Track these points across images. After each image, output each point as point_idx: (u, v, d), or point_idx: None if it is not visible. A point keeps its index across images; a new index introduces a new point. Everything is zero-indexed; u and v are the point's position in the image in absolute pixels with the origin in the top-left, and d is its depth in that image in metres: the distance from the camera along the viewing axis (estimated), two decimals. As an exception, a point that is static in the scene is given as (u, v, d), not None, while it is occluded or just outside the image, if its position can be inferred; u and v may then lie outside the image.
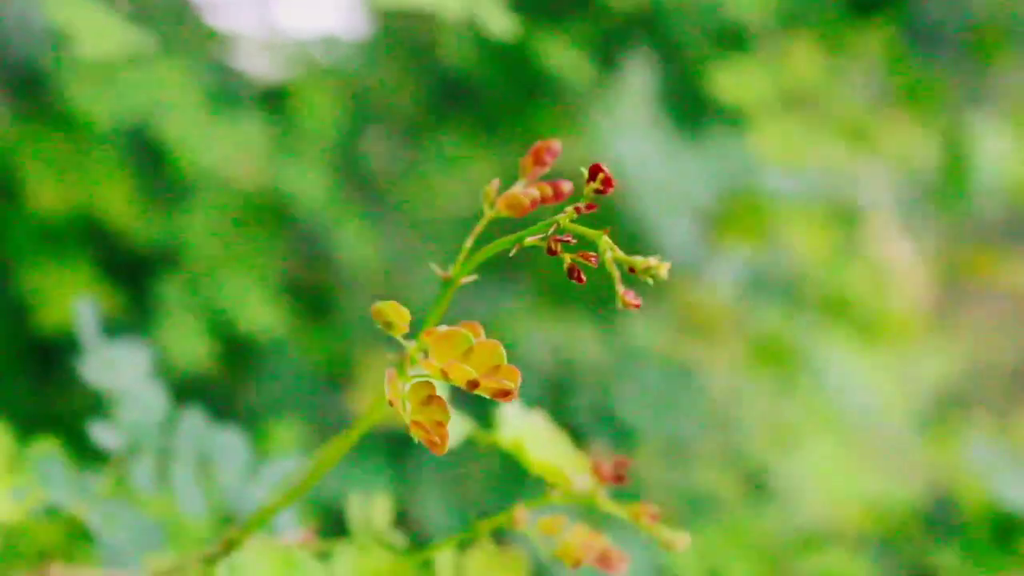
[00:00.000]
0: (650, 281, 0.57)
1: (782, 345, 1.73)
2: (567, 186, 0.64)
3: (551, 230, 0.59)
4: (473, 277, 0.63)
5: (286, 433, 1.38)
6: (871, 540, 1.46)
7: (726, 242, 1.74)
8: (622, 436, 1.50)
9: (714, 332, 1.78)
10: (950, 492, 1.42)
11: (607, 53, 1.45)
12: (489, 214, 0.63)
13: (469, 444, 0.77)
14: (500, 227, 0.62)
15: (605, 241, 0.58)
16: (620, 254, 0.57)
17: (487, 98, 1.55)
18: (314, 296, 1.67)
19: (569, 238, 0.59)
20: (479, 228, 0.63)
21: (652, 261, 0.57)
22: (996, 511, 1.31)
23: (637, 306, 0.56)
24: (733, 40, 1.37)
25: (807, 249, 1.61)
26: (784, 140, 1.30)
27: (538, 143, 0.65)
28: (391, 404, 0.59)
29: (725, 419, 1.75)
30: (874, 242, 1.73)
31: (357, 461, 1.40)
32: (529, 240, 0.60)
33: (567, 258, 0.59)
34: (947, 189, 1.60)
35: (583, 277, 0.58)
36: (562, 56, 1.37)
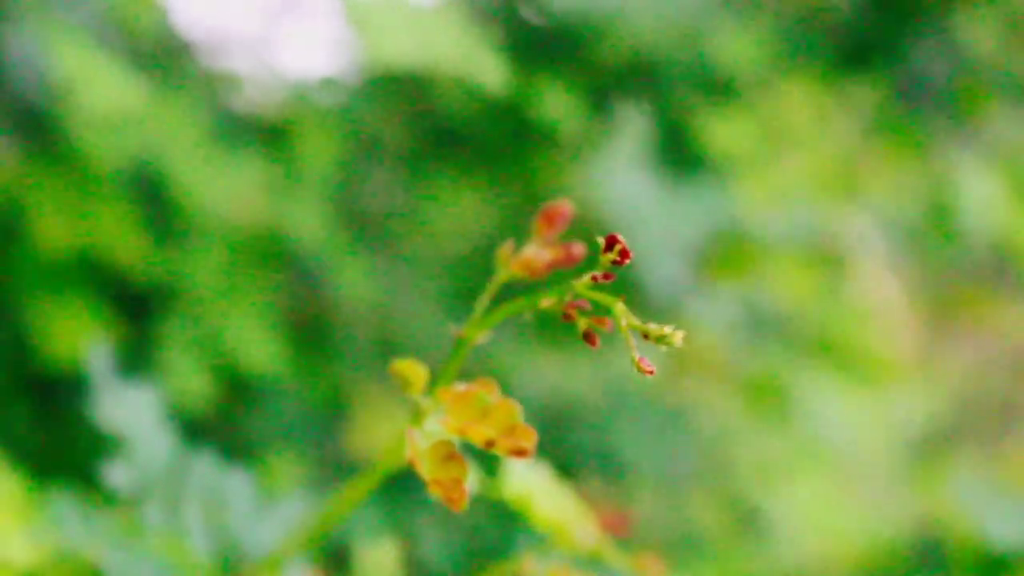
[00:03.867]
0: (664, 348, 0.59)
1: (772, 384, 1.76)
2: (579, 249, 0.65)
3: (567, 296, 0.61)
4: (487, 337, 0.65)
5: (288, 469, 1.40)
6: (859, 578, 1.48)
7: (715, 283, 1.77)
8: (617, 473, 1.52)
9: (706, 371, 1.80)
10: (937, 529, 1.44)
11: (600, 100, 1.48)
12: (503, 276, 0.65)
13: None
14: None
15: (620, 308, 0.60)
16: (635, 321, 0.59)
17: (481, 142, 1.57)
18: (313, 332, 1.68)
19: (585, 303, 0.61)
20: (492, 289, 0.65)
21: (667, 329, 0.59)
22: (982, 548, 1.33)
23: (652, 373, 0.58)
24: (724, 89, 1.40)
25: (793, 291, 1.64)
26: (769, 189, 1.33)
27: (549, 205, 0.66)
28: (411, 463, 0.61)
29: (717, 457, 1.77)
30: (861, 283, 1.76)
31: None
32: (543, 304, 0.62)
33: (582, 323, 0.61)
34: (931, 232, 1.63)
35: (597, 342, 0.60)
36: (555, 104, 1.40)
